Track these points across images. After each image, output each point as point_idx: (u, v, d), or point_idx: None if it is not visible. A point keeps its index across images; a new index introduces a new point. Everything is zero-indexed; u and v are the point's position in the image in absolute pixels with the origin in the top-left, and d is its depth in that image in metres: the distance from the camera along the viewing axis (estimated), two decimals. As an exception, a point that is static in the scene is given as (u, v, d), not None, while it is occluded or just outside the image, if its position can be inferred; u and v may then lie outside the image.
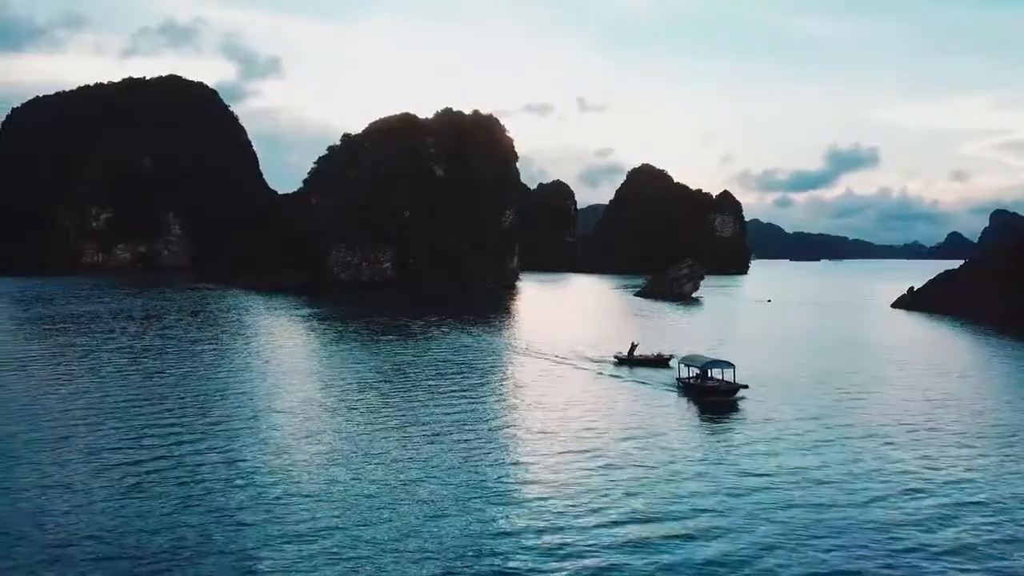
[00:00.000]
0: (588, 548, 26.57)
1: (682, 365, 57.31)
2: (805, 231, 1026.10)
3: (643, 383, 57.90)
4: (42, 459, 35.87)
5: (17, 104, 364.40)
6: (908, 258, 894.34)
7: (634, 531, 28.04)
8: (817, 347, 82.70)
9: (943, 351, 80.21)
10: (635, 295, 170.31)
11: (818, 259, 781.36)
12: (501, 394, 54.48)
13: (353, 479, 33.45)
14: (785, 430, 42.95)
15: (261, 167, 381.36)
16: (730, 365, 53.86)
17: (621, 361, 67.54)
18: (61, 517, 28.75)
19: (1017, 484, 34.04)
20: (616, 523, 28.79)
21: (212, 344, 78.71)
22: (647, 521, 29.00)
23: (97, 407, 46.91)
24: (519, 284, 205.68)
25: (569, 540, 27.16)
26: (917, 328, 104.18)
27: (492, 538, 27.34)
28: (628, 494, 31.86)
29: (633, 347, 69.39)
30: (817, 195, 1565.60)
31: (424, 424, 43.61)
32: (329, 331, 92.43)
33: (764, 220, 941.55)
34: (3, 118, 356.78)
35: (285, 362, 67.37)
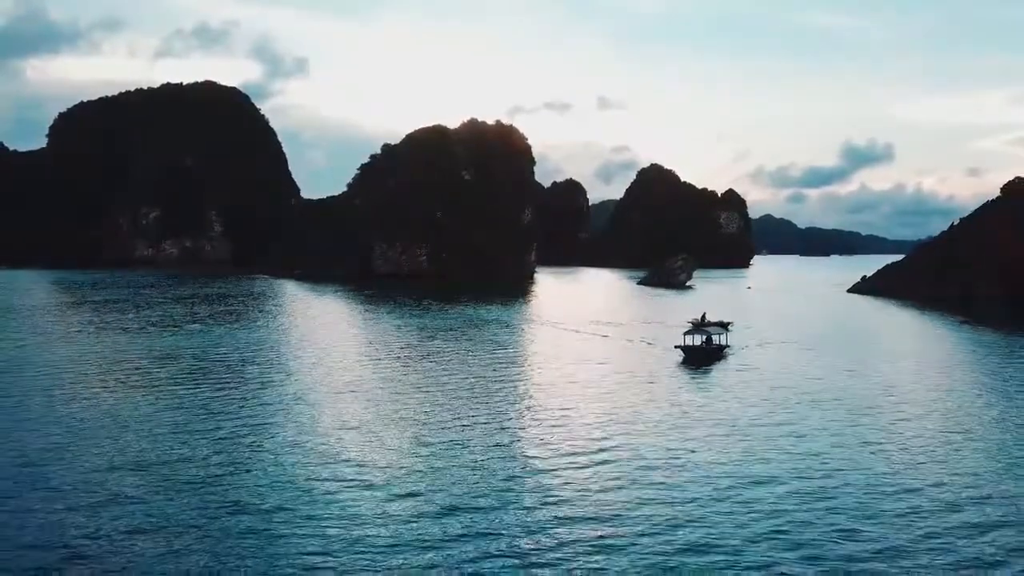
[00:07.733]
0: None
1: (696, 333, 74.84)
2: (819, 226, 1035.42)
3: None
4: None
5: (56, 104, 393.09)
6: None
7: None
8: (772, 318, 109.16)
9: (866, 319, 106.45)
10: (638, 284, 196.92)
11: (828, 255, 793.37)
12: (531, 356, 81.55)
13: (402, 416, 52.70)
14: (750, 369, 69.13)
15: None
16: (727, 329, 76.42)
17: (696, 326, 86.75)
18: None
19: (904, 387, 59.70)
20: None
21: (312, 315, 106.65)
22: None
23: (262, 352, 74.67)
24: (537, 276, 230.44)
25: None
26: (854, 304, 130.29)
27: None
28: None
29: (703, 317, 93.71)
30: (831, 191, 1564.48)
31: (480, 374, 70.63)
32: (393, 307, 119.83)
33: (777, 216, 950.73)
34: (50, 121, 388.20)
35: (371, 330, 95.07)
